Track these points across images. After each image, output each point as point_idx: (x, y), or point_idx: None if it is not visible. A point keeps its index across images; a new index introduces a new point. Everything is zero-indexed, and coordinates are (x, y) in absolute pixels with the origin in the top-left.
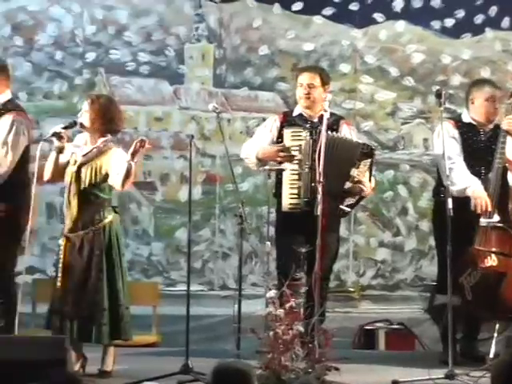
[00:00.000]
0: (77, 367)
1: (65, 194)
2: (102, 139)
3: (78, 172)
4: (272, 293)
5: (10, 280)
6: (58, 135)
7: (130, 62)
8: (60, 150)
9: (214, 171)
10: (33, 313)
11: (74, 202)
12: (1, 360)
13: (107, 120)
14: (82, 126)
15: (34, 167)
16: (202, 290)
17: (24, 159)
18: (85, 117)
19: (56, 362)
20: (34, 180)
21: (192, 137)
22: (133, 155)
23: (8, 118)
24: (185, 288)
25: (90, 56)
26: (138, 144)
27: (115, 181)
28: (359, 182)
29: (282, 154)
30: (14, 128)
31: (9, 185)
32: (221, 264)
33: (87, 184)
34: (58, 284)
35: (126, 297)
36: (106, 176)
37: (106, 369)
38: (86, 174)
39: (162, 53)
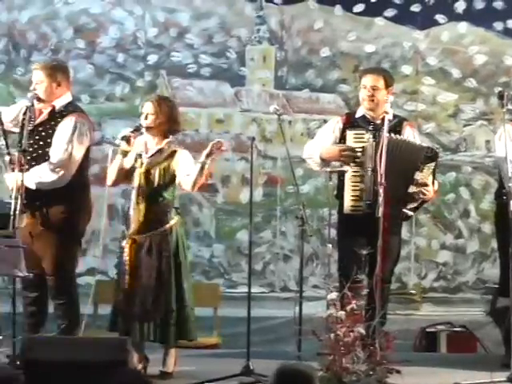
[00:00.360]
0: (139, 368)
1: (132, 196)
2: (166, 140)
3: (147, 174)
4: (333, 295)
5: (71, 281)
6: (127, 139)
7: (191, 64)
8: (125, 154)
9: (275, 173)
10: (94, 314)
11: (143, 204)
12: (64, 361)
13: (173, 121)
14: (147, 128)
15: (94, 169)
16: (263, 292)
17: (84, 161)
18: (150, 119)
19: (118, 363)
20: (108, 183)
21: (253, 139)
22: (207, 156)
23: (71, 120)
24: (246, 290)
25: (152, 58)
26: (215, 146)
27: (185, 182)
28: (422, 185)
29: (345, 153)
30: (78, 129)
31: (69, 186)
32: (282, 266)
33: (156, 185)
34: (126, 285)
35: (190, 298)
36: (174, 177)
37: (167, 370)
38: (155, 176)
39: (224, 55)
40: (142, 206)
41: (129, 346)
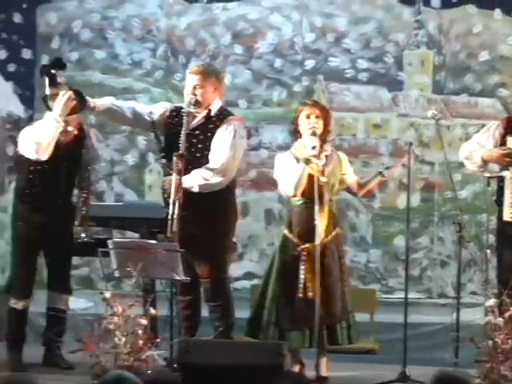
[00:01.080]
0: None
1: (316, 205)
2: (328, 145)
3: (327, 181)
4: (491, 301)
5: (226, 283)
6: (315, 148)
7: (348, 69)
8: (309, 162)
9: (433, 178)
10: None
11: (325, 211)
12: (220, 364)
13: (329, 124)
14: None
15: (252, 174)
16: (420, 298)
17: None
18: (319, 124)
19: (274, 368)
20: (292, 192)
21: (410, 144)
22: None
23: (230, 124)
24: (402, 295)
25: (309, 63)
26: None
27: (356, 187)
28: None
29: (507, 159)
30: (238, 133)
31: (221, 189)
32: (439, 272)
33: (334, 192)
34: (309, 292)
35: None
36: (344, 179)
37: (322, 374)
38: (334, 183)
39: (381, 60)
40: (325, 213)
41: (285, 350)
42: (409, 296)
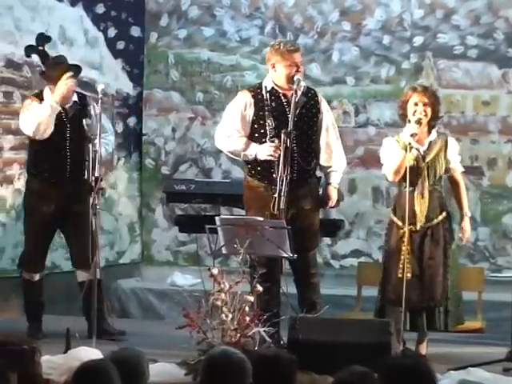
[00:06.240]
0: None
1: (417, 190)
2: (434, 130)
3: (427, 167)
4: None
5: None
6: (414, 135)
7: (457, 45)
8: (410, 150)
9: None
10: (357, 296)
11: (427, 196)
12: (328, 341)
13: (438, 111)
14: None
15: (359, 151)
16: None
17: None
18: (427, 111)
19: (381, 346)
20: (391, 178)
21: None
22: None
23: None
24: (511, 274)
25: (418, 40)
26: None
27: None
28: None
29: None
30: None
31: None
32: None
33: (438, 177)
34: (408, 275)
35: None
36: (448, 166)
37: (422, 352)
38: (435, 168)
39: (491, 36)
40: (427, 198)
41: (392, 328)
42: None
